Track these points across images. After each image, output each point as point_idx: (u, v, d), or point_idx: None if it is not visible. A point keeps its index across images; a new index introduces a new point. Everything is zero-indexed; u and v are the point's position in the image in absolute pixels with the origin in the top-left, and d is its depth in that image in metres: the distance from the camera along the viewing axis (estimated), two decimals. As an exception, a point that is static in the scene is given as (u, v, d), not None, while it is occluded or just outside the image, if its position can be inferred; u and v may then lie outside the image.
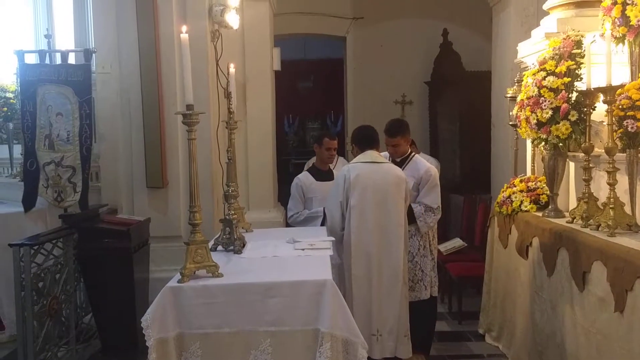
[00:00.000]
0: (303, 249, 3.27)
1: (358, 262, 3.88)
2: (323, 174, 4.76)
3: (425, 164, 4.38)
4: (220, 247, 3.27)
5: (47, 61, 4.66)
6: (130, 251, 4.14)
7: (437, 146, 8.34)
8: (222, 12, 4.76)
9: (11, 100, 5.62)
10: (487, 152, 6.35)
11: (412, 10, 8.28)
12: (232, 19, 4.90)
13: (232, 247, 3.23)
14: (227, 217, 3.30)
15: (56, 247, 4.12)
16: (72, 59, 4.77)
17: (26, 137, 4.64)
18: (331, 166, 4.92)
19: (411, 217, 4.15)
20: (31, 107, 4.60)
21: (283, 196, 5.74)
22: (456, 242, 6.03)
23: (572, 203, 3.89)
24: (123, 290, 4.13)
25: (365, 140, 4.12)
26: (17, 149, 5.51)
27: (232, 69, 3.48)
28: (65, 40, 5.67)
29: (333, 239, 3.59)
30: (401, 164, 4.34)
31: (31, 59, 4.76)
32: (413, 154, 4.51)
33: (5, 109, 5.67)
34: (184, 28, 2.65)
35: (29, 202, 4.72)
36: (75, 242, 4.25)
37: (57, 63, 4.64)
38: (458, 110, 7.74)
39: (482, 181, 6.51)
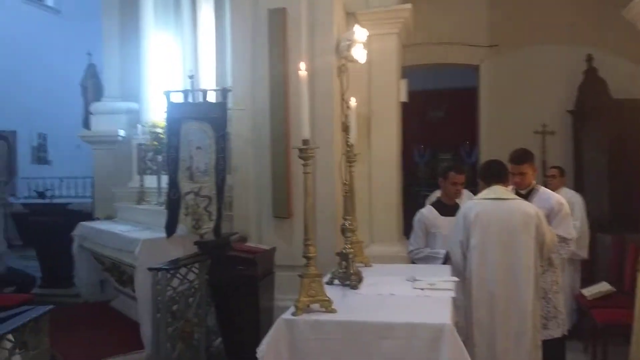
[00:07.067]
0: (422, 289, 3.14)
1: (480, 305, 3.63)
2: (448, 209, 4.54)
3: (553, 195, 4.25)
4: (336, 281, 3.26)
5: (190, 99, 5.07)
6: (257, 279, 4.26)
7: (582, 180, 7.66)
8: (349, 47, 4.84)
9: (160, 135, 6.14)
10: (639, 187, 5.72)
11: (552, 37, 7.78)
12: (359, 54, 4.95)
13: (348, 282, 3.21)
14: (343, 250, 3.29)
15: (191, 272, 4.39)
16: (211, 97, 5.15)
17: (170, 169, 5.02)
18: (458, 200, 4.71)
19: None
20: (175, 141, 4.97)
21: (410, 229, 5.60)
22: (602, 287, 5.48)
23: None
24: (249, 316, 4.23)
25: (491, 174, 3.91)
26: (165, 180, 6.00)
27: (352, 103, 3.50)
28: (208, 79, 6.15)
29: (457, 279, 3.41)
30: (526, 196, 4.10)
31: (177, 98, 5.21)
32: (538, 185, 4.33)
33: (156, 143, 6.23)
34: (302, 65, 2.72)
35: (170, 228, 5.06)
36: (208, 268, 4.50)
37: (199, 101, 5.03)
38: (606, 140, 7.08)
39: (633, 219, 5.86)
